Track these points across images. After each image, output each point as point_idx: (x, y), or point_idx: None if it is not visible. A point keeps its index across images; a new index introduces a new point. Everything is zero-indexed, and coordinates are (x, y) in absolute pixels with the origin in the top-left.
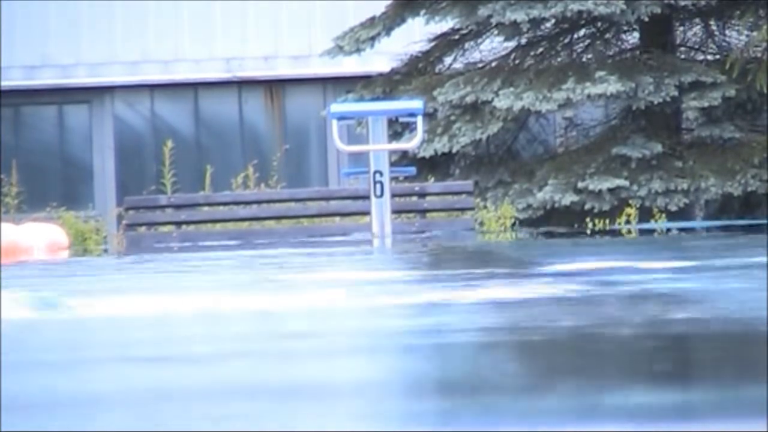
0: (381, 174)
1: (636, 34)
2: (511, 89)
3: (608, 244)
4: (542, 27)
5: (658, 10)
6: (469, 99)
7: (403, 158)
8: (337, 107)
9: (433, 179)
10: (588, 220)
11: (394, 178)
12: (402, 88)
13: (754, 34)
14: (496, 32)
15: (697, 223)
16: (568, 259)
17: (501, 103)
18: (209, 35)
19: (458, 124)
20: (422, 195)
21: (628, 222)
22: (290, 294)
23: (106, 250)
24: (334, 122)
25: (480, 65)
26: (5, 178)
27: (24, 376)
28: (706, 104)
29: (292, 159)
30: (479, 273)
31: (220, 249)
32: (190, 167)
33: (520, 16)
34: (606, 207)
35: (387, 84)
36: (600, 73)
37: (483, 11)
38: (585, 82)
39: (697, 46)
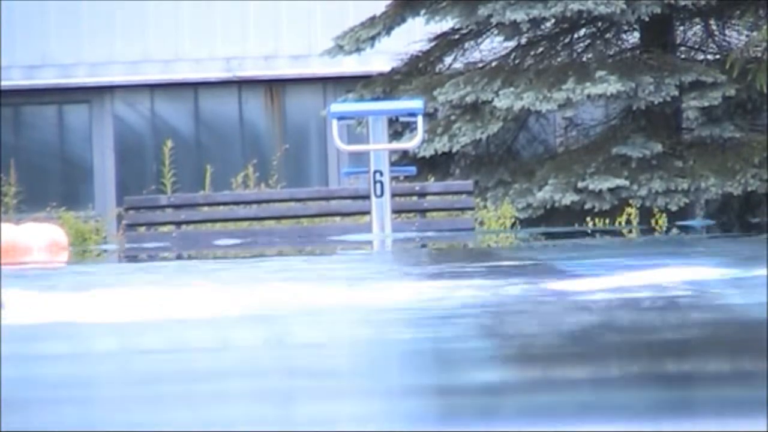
0: (381, 174)
1: (636, 34)
2: (511, 89)
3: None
4: (542, 27)
5: (658, 10)
6: (469, 99)
7: (403, 158)
8: (337, 107)
9: (433, 179)
10: (588, 219)
11: (395, 178)
12: (402, 87)
13: (754, 34)
14: (496, 32)
15: None
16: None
17: (501, 102)
18: (209, 35)
19: (458, 124)
20: (422, 195)
21: (628, 222)
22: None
23: (105, 251)
24: (334, 122)
25: (480, 65)
26: (4, 178)
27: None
28: (706, 104)
29: (292, 159)
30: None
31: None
32: (190, 167)
33: (520, 15)
34: (606, 207)
35: (387, 84)
36: (600, 73)
37: (483, 11)
38: (585, 82)
39: (697, 46)
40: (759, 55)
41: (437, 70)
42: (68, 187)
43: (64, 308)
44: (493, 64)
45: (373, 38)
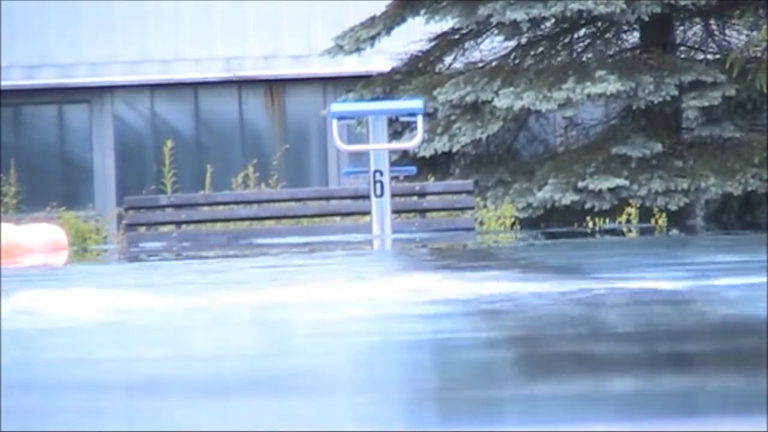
0: (381, 173)
1: (636, 34)
2: (511, 89)
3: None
4: (542, 27)
5: (658, 10)
6: (469, 98)
7: (403, 158)
8: (337, 107)
9: (433, 179)
10: (588, 219)
11: (394, 178)
12: (402, 87)
13: (754, 33)
14: (496, 32)
15: None
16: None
17: (501, 102)
18: (209, 35)
19: (458, 124)
20: (422, 194)
21: (628, 221)
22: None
23: (105, 250)
24: (334, 122)
25: (480, 65)
26: (4, 178)
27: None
28: (706, 104)
29: (292, 159)
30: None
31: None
32: (190, 167)
33: (520, 15)
34: (606, 206)
35: (387, 83)
36: (600, 73)
37: (483, 11)
38: (585, 82)
39: (697, 46)
40: (759, 55)
41: (437, 70)
42: (68, 187)
43: (64, 307)
44: (493, 64)
45: (373, 38)
